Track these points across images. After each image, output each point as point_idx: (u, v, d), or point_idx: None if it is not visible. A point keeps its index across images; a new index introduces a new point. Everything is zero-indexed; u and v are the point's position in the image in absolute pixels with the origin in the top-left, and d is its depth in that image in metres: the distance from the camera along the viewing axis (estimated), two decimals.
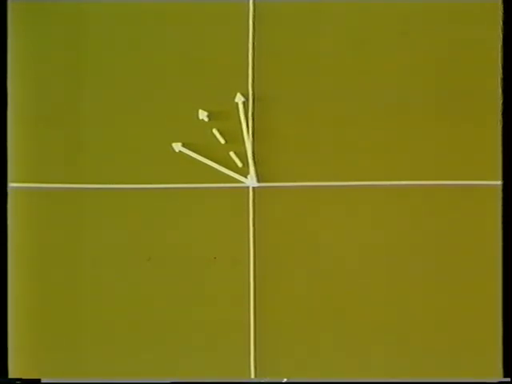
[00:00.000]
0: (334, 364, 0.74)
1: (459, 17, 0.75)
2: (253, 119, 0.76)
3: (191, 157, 0.75)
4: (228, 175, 0.75)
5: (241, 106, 0.75)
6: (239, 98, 0.75)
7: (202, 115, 0.75)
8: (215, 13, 0.76)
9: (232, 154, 0.76)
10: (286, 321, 0.75)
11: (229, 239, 0.75)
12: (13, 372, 0.75)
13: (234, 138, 0.76)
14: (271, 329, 0.75)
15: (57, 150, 0.76)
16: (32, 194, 0.76)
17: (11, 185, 0.76)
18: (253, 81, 0.76)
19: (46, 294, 0.76)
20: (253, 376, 0.75)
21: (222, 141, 0.76)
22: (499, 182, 0.74)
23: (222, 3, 0.76)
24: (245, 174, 0.75)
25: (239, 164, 0.76)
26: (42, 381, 0.74)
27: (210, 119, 0.76)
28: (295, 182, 0.75)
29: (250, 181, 0.75)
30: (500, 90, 0.74)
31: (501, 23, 0.74)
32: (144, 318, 0.75)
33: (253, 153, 0.75)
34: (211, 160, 0.75)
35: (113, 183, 0.76)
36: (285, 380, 0.74)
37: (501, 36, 0.74)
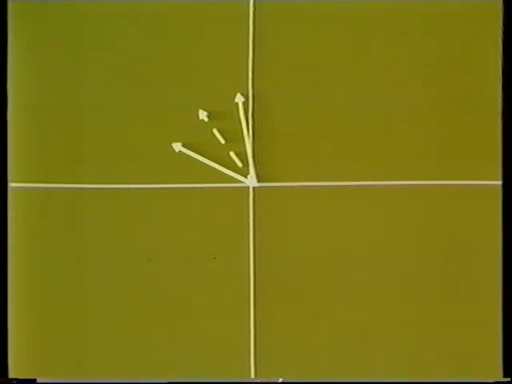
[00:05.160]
0: (334, 364, 0.74)
1: (459, 17, 0.75)
2: (253, 119, 0.76)
3: (191, 157, 0.75)
4: (228, 175, 0.75)
5: (241, 106, 0.75)
6: (239, 98, 0.75)
7: (202, 115, 0.75)
8: (215, 13, 0.76)
9: (232, 153, 0.76)
10: (285, 321, 0.75)
11: (229, 239, 0.75)
12: (12, 372, 0.75)
13: (234, 138, 0.76)
14: (271, 329, 0.75)
15: (57, 150, 0.76)
16: (32, 193, 0.76)
17: (11, 185, 0.76)
18: (253, 81, 0.76)
19: (46, 294, 0.76)
20: (253, 376, 0.75)
21: (222, 141, 0.76)
22: (499, 182, 0.74)
23: (221, 3, 0.76)
24: (245, 174, 0.75)
25: (239, 164, 0.76)
26: (42, 381, 0.74)
27: (210, 119, 0.76)
28: (295, 181, 0.75)
29: (250, 181, 0.75)
30: (500, 90, 0.74)
31: (501, 23, 0.74)
32: (144, 318, 0.75)
33: (253, 153, 0.75)
34: (211, 160, 0.75)
35: (113, 183, 0.76)
36: (280, 380, 0.74)
37: (501, 36, 0.74)
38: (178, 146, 0.76)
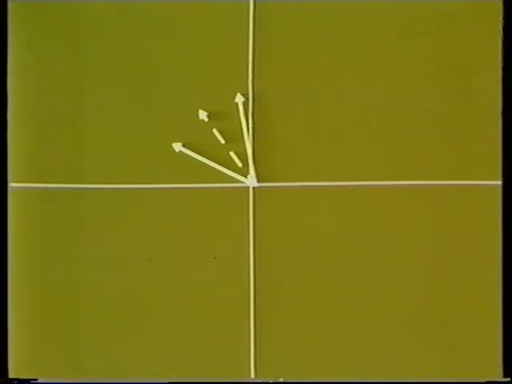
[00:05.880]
0: (334, 364, 0.74)
1: (459, 17, 0.75)
2: (253, 119, 0.76)
3: (191, 157, 0.75)
4: (228, 175, 0.75)
5: (241, 106, 0.75)
6: (239, 98, 0.75)
7: (202, 115, 0.75)
8: (215, 13, 0.76)
9: (232, 153, 0.76)
10: (285, 321, 0.75)
11: (229, 239, 0.75)
12: (12, 372, 0.75)
13: (234, 138, 0.76)
14: (271, 329, 0.75)
15: (57, 150, 0.76)
16: (32, 193, 0.76)
17: (11, 185, 0.76)
18: (253, 81, 0.76)
19: (46, 294, 0.76)
20: (253, 376, 0.75)
21: (222, 141, 0.76)
22: (499, 182, 0.74)
23: (221, 3, 0.76)
24: (245, 174, 0.75)
25: (239, 164, 0.76)
26: (41, 381, 0.74)
27: (210, 119, 0.76)
28: (295, 181, 0.75)
29: (250, 181, 0.75)
30: (500, 90, 0.74)
31: (501, 23, 0.74)
32: (144, 318, 0.75)
33: (253, 153, 0.75)
34: (211, 160, 0.75)
35: (113, 183, 0.76)
36: (281, 380, 0.74)
37: (501, 36, 0.74)
38: (178, 146, 0.76)
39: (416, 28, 0.75)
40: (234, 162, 0.76)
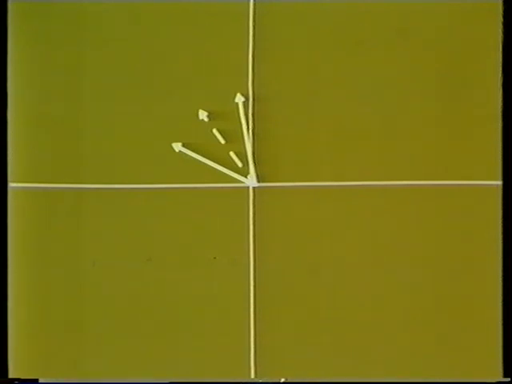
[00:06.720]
0: (334, 364, 0.74)
1: (459, 17, 0.75)
2: (253, 119, 0.76)
3: (191, 157, 0.75)
4: (228, 175, 0.75)
5: (241, 106, 0.75)
6: (239, 98, 0.75)
7: (202, 115, 0.75)
8: (215, 13, 0.76)
9: (232, 153, 0.76)
10: (285, 321, 0.75)
11: (229, 239, 0.75)
12: (12, 372, 0.75)
13: (234, 138, 0.76)
14: (271, 329, 0.75)
15: (57, 150, 0.76)
16: (32, 194, 0.76)
17: (11, 185, 0.76)
18: (253, 81, 0.76)
19: (46, 294, 0.76)
20: (253, 376, 0.75)
21: (222, 141, 0.76)
22: (499, 182, 0.74)
23: (221, 3, 0.76)
24: (245, 174, 0.75)
25: (239, 164, 0.76)
26: (41, 381, 0.74)
27: (210, 119, 0.76)
28: (295, 181, 0.75)
29: (250, 181, 0.75)
30: (500, 90, 0.74)
31: (501, 23, 0.74)
32: (144, 318, 0.75)
33: (253, 153, 0.75)
34: (211, 160, 0.75)
35: (113, 183, 0.76)
36: (282, 380, 0.74)
37: (501, 36, 0.74)
38: (178, 146, 0.76)
39: (416, 28, 0.75)
40: (234, 162, 0.76)
